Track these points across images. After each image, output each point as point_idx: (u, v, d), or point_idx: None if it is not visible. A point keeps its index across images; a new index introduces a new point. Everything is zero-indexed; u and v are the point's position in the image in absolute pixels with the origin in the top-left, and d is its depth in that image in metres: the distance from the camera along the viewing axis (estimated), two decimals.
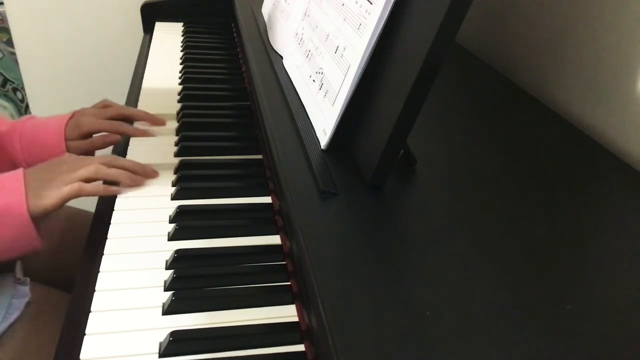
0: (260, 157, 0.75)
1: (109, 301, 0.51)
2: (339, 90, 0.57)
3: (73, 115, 0.78)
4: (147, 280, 0.54)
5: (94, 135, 0.79)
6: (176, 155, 0.75)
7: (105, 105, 0.82)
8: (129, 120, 0.82)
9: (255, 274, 0.55)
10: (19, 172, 0.61)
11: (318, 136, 0.61)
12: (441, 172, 0.60)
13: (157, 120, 0.83)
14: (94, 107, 0.82)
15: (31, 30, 1.52)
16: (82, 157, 0.67)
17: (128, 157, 0.73)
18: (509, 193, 0.57)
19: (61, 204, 0.60)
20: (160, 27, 1.25)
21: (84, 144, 0.77)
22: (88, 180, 0.62)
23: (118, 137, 0.78)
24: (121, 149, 0.77)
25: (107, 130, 0.78)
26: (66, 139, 0.75)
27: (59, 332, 0.50)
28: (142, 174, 0.68)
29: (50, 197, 0.59)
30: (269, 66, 0.82)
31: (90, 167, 0.63)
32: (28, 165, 0.73)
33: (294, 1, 0.85)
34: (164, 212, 0.63)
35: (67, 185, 0.60)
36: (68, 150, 0.75)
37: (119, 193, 0.65)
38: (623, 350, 0.39)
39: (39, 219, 0.60)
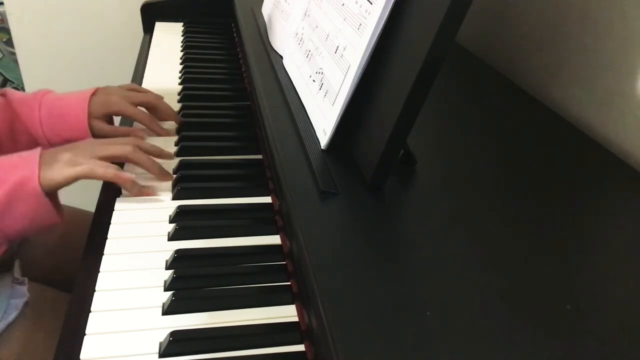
0: (260, 157, 0.75)
1: (109, 301, 0.51)
2: (339, 90, 0.57)
3: (96, 91, 0.76)
4: (147, 280, 0.54)
5: (120, 126, 0.78)
6: (176, 155, 0.75)
7: (133, 88, 0.80)
8: (153, 110, 0.80)
9: (255, 274, 0.55)
10: (38, 149, 0.61)
11: (318, 136, 0.61)
12: (441, 172, 0.60)
13: (177, 119, 0.83)
14: (121, 87, 0.80)
15: (31, 30, 1.52)
16: (109, 140, 0.67)
17: None
18: (509, 193, 0.57)
19: (70, 181, 0.60)
20: (160, 27, 1.25)
21: (107, 129, 0.74)
22: (117, 158, 0.63)
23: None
24: None
25: (139, 120, 0.78)
26: (90, 116, 0.73)
27: (58, 332, 0.50)
28: (157, 174, 0.68)
29: (60, 173, 0.59)
30: (269, 66, 0.82)
31: (127, 146, 0.63)
32: (47, 138, 0.72)
33: (294, 1, 0.85)
34: (164, 212, 0.63)
35: (81, 165, 0.60)
36: (90, 128, 0.73)
37: (127, 183, 0.63)
38: (623, 350, 0.39)
39: (53, 194, 0.60)
